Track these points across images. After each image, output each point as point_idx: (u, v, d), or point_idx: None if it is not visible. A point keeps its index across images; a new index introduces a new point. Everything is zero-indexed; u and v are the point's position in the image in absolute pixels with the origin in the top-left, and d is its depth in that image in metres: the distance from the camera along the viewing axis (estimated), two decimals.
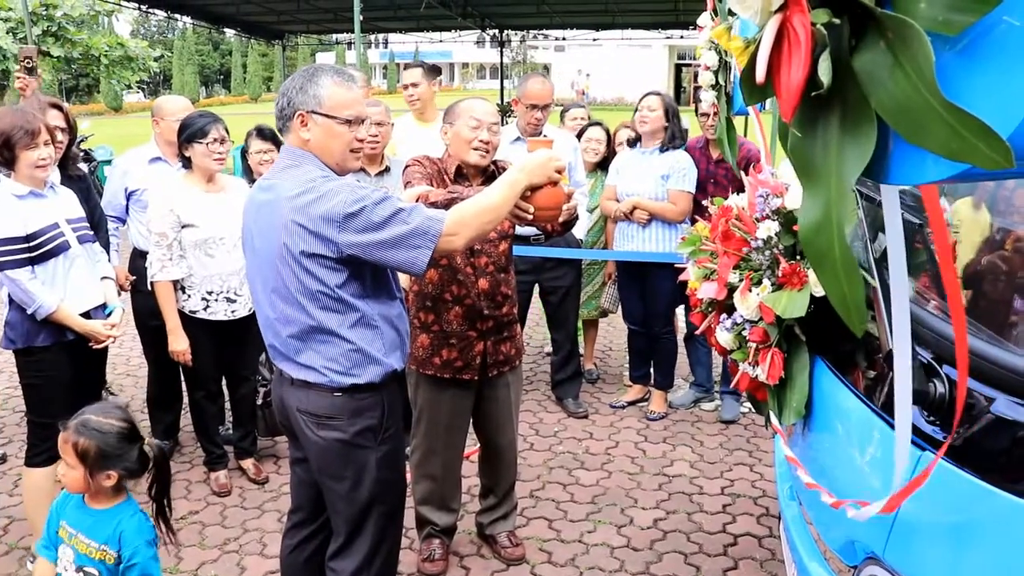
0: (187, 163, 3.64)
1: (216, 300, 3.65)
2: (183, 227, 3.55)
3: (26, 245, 2.98)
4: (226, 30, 21.62)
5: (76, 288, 3.12)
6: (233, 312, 3.69)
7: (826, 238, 0.89)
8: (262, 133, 4.18)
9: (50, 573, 2.23)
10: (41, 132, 3.00)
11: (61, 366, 3.09)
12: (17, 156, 2.98)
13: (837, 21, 0.82)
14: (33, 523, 3.22)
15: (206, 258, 3.60)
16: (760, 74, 0.87)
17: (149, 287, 3.68)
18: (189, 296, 3.64)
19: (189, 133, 3.54)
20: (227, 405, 4.15)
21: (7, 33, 17.57)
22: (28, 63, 5.39)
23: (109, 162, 5.26)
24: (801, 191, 0.94)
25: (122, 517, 2.16)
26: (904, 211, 1.41)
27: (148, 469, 2.20)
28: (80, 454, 2.07)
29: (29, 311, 2.98)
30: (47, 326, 3.04)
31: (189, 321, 3.65)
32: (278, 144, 4.13)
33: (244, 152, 4.22)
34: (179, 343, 3.63)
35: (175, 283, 3.61)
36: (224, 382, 4.00)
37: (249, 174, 4.18)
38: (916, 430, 1.69)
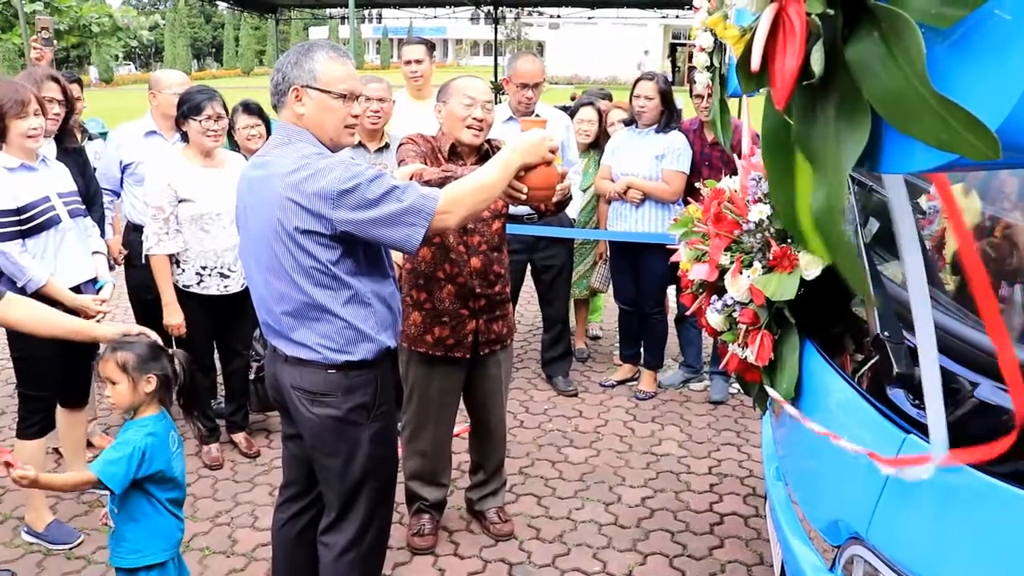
0: (185, 137, 3.63)
1: (210, 275, 3.65)
2: (180, 201, 3.54)
3: (16, 218, 2.97)
4: (218, 3, 21.35)
5: (66, 262, 3.12)
6: (226, 287, 3.69)
7: (833, 221, 0.91)
8: (248, 108, 4.14)
9: None
10: (31, 102, 3.00)
11: (51, 340, 3.09)
12: (8, 126, 2.97)
13: (831, 11, 0.83)
14: (26, 493, 3.23)
15: (202, 233, 3.60)
16: (755, 62, 0.88)
17: (144, 261, 3.68)
18: (183, 270, 3.64)
19: (185, 109, 3.53)
20: (219, 379, 4.17)
21: None
22: (45, 34, 5.35)
23: (104, 135, 5.20)
24: (811, 177, 0.95)
25: (144, 420, 2.34)
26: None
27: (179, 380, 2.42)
28: (122, 366, 2.30)
29: (19, 284, 2.98)
30: (37, 300, 3.03)
31: (183, 295, 3.65)
32: (264, 118, 4.10)
33: (231, 128, 4.15)
34: (174, 317, 3.63)
35: (170, 257, 3.61)
36: (217, 356, 4.01)
37: (237, 150, 4.14)
38: (901, 413, 1.72)
